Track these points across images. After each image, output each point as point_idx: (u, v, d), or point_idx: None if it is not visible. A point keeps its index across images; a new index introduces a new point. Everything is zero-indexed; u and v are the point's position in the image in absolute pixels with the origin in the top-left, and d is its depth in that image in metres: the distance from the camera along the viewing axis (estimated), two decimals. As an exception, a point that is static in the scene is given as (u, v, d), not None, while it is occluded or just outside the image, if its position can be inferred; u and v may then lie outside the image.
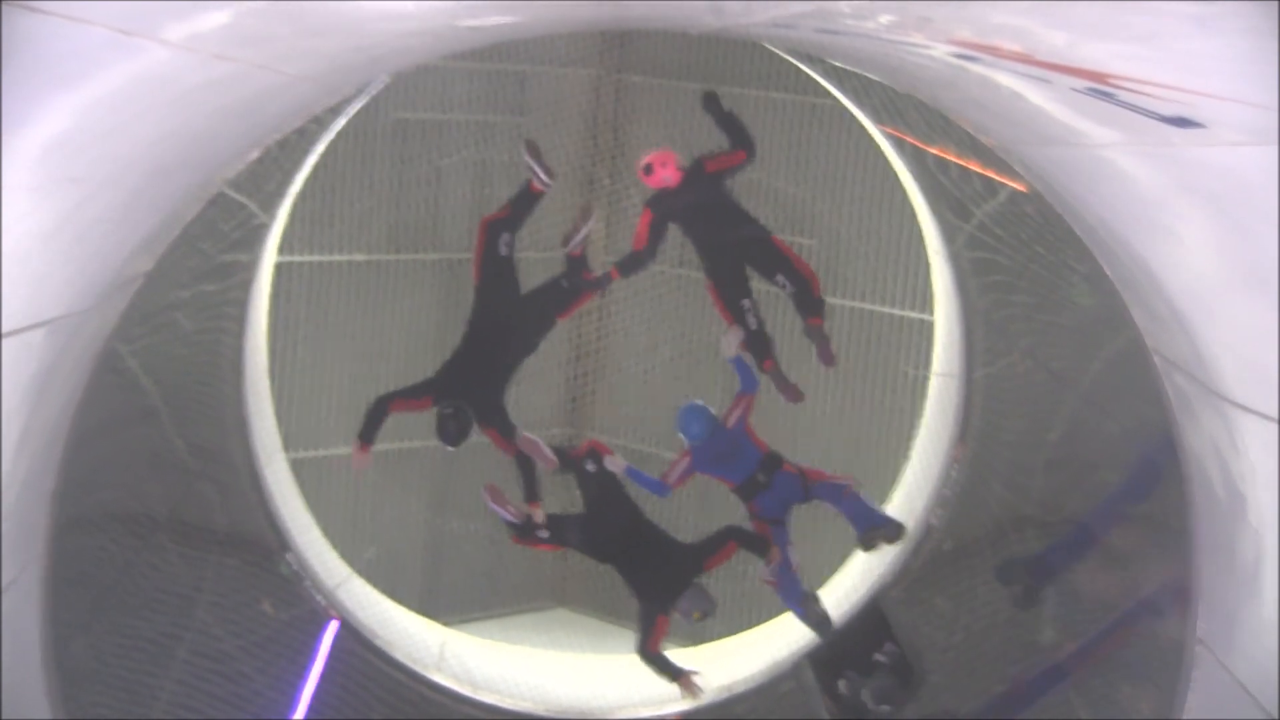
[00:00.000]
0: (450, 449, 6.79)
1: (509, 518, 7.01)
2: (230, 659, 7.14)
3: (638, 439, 10.62)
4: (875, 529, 7.07)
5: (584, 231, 6.96)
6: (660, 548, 7.15)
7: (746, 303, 6.94)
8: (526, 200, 6.84)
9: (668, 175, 6.78)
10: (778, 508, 7.08)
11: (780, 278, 6.92)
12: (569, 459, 7.23)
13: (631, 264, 7.01)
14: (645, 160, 6.84)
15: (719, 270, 7.04)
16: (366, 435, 6.72)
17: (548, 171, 6.77)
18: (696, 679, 7.26)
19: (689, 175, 6.81)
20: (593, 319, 10.69)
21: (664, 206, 6.88)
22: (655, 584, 7.06)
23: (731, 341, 6.96)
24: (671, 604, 6.95)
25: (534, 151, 6.76)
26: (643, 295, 10.52)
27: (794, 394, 7.09)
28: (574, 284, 6.96)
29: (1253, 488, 3.88)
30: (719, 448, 7.03)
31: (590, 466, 7.14)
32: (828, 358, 7.04)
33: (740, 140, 6.86)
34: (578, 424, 11.01)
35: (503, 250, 6.75)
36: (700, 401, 7.16)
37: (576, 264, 6.99)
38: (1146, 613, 5.72)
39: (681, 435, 7.11)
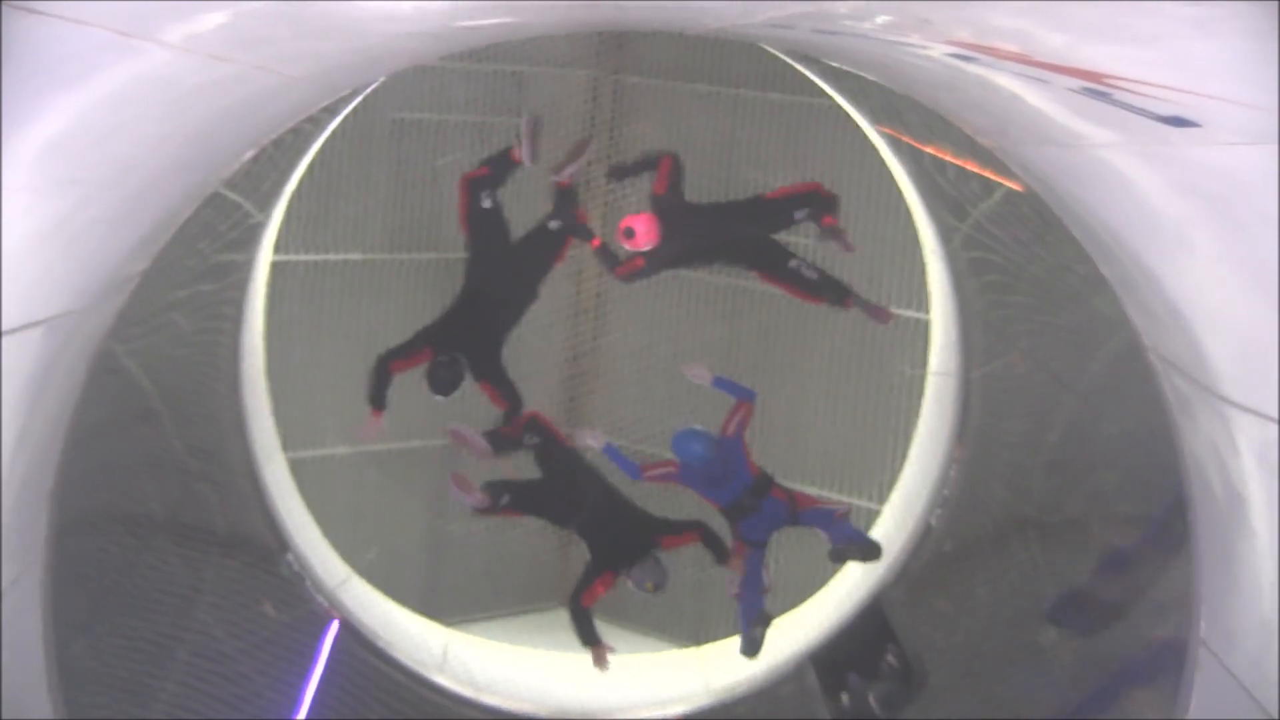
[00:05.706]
0: (440, 398, 6.71)
1: (475, 504, 6.90)
2: (231, 660, 7.13)
3: (635, 438, 10.60)
4: (850, 544, 6.92)
5: (577, 164, 6.93)
6: (621, 512, 7.06)
7: (794, 262, 6.96)
8: (505, 164, 6.87)
9: (649, 230, 6.70)
10: (761, 531, 6.93)
11: (797, 214, 6.91)
12: (503, 439, 6.99)
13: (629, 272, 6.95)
14: (624, 225, 6.75)
15: (755, 258, 7.06)
16: (376, 400, 6.70)
17: (534, 155, 6.76)
18: (610, 653, 7.10)
19: (663, 217, 6.72)
20: (589, 318, 10.68)
21: (659, 260, 6.88)
22: (613, 546, 6.94)
23: (700, 372, 6.90)
24: (625, 567, 6.81)
25: (533, 129, 6.76)
26: (639, 294, 10.51)
27: (884, 315, 7.27)
28: (563, 223, 6.94)
29: (1252, 488, 3.87)
30: (713, 469, 6.82)
31: (533, 440, 6.96)
32: (847, 246, 6.98)
33: (648, 164, 6.92)
34: (574, 424, 11.00)
35: (485, 203, 6.77)
36: (698, 426, 6.91)
37: (566, 196, 6.96)
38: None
39: (679, 458, 6.87)
